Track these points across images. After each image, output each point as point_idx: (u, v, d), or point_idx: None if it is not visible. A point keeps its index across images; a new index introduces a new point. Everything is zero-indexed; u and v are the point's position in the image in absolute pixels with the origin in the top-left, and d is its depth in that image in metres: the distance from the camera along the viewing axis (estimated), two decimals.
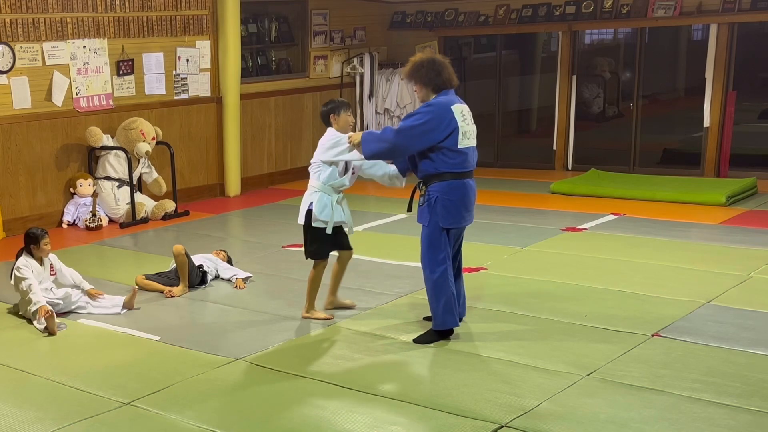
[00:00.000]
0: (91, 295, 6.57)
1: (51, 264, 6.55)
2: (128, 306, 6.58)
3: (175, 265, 7.04)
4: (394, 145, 5.49)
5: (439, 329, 5.67)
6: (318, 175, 6.02)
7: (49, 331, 6.09)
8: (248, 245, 8.60)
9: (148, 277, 7.07)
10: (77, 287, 6.59)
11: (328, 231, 5.97)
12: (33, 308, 6.19)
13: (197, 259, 7.21)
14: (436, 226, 5.55)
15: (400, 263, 7.46)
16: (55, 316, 6.15)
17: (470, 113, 5.63)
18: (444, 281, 5.59)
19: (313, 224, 6.00)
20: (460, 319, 5.91)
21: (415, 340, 5.69)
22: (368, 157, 5.65)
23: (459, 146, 5.45)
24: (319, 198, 5.97)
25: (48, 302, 6.26)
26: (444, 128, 5.40)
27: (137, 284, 6.97)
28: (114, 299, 6.64)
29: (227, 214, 10.17)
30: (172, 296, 6.83)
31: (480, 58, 13.35)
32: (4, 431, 4.62)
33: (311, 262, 5.91)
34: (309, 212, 5.99)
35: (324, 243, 6.08)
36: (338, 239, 6.11)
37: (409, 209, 5.88)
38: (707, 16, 10.85)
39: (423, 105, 5.55)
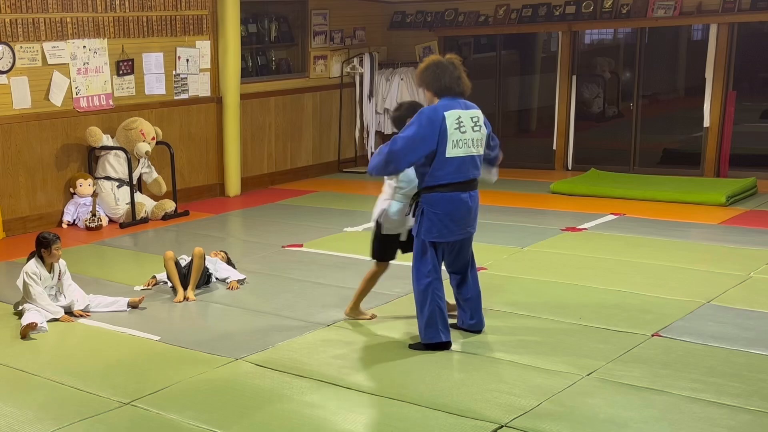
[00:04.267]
0: (75, 315, 6.54)
1: (60, 271, 6.55)
2: (133, 305, 6.62)
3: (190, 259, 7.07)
4: (389, 157, 5.34)
5: (425, 343, 5.55)
6: (389, 183, 5.88)
7: (21, 335, 6.10)
8: (248, 245, 8.60)
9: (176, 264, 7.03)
10: (70, 307, 6.54)
11: (403, 238, 5.91)
12: (24, 321, 6.19)
13: None
14: (421, 238, 5.48)
15: (399, 263, 7.42)
16: (36, 327, 6.15)
17: (475, 120, 5.40)
18: (428, 294, 5.47)
19: (383, 232, 5.93)
20: (479, 332, 5.79)
21: (411, 347, 5.63)
22: (371, 173, 5.54)
23: (447, 155, 5.29)
24: (390, 205, 5.86)
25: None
26: (435, 135, 5.26)
27: (165, 260, 6.96)
28: (116, 298, 6.67)
29: (227, 214, 10.17)
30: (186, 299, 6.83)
31: (480, 58, 13.35)
32: (4, 431, 4.62)
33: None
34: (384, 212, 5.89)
35: (389, 246, 6.01)
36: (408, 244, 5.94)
37: (407, 214, 5.69)
38: (707, 16, 10.85)
39: (416, 114, 5.43)
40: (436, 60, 5.52)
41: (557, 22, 11.81)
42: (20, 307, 6.46)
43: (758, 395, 4.76)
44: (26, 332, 6.07)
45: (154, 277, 7.22)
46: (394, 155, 5.33)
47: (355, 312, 6.18)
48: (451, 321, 5.77)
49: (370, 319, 6.14)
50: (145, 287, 7.14)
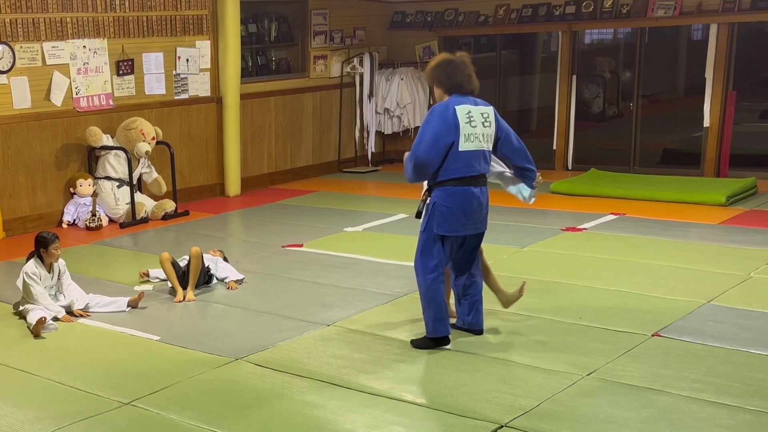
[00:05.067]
0: (74, 315, 6.50)
1: (59, 271, 6.55)
2: (133, 305, 6.60)
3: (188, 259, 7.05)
4: (416, 162, 5.39)
5: (431, 337, 5.58)
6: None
7: (34, 333, 6.11)
8: (248, 245, 8.60)
9: (173, 264, 7.01)
10: (70, 306, 6.52)
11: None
12: (32, 319, 6.20)
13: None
14: (431, 232, 5.47)
15: (400, 263, 7.45)
16: (46, 321, 6.16)
17: (485, 116, 5.45)
18: (435, 289, 5.49)
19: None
20: (480, 332, 5.77)
21: (412, 342, 5.64)
22: (411, 182, 5.58)
23: (460, 149, 5.35)
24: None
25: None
26: (450, 127, 5.33)
27: (161, 261, 6.97)
28: (115, 298, 6.65)
29: (227, 214, 10.17)
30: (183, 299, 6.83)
31: (480, 58, 13.33)
32: (4, 431, 4.62)
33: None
34: None
35: None
36: None
37: (418, 215, 5.65)
38: (707, 16, 10.85)
39: (427, 114, 5.49)
40: (447, 58, 5.54)
41: (557, 22, 11.81)
42: (21, 308, 6.45)
43: (758, 395, 4.76)
44: (38, 329, 6.08)
45: (147, 272, 7.28)
46: (421, 159, 5.37)
47: (506, 297, 6.02)
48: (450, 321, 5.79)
49: (521, 291, 5.97)
50: (141, 281, 7.21)
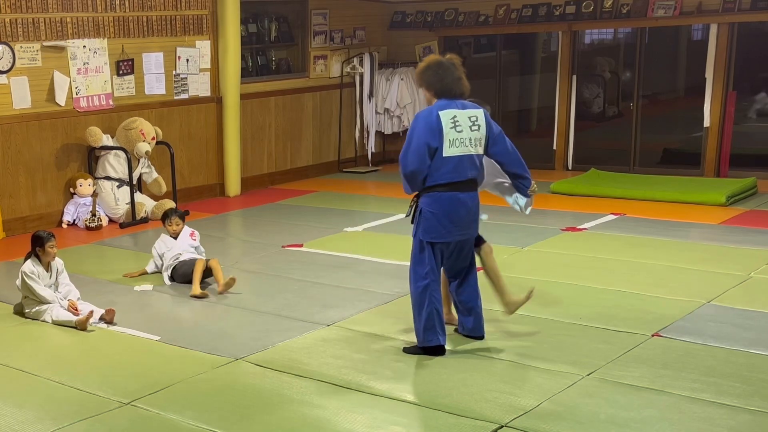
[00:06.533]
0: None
1: (57, 270, 6.54)
2: (80, 326, 6.18)
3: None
4: (405, 173, 5.33)
5: (422, 346, 5.49)
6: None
7: (80, 327, 6.16)
8: (248, 245, 8.61)
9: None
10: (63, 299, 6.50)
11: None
12: (59, 316, 6.28)
13: (173, 249, 7.27)
14: (419, 239, 5.43)
15: (400, 263, 7.44)
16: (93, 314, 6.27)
17: (474, 119, 5.32)
18: (425, 297, 5.39)
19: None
20: (480, 338, 5.70)
21: (405, 350, 5.57)
22: (408, 192, 5.50)
23: (444, 154, 5.24)
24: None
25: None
26: (435, 133, 5.22)
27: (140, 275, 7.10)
28: (82, 309, 6.37)
29: (227, 214, 10.18)
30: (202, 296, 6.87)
31: (480, 58, 13.35)
32: (4, 431, 4.63)
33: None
34: None
35: None
36: None
37: (409, 217, 5.59)
38: (707, 16, 10.85)
39: (413, 121, 5.40)
40: (437, 60, 5.44)
41: (557, 22, 11.81)
42: (31, 310, 6.41)
43: (758, 395, 4.77)
44: (85, 324, 6.13)
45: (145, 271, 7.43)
46: (409, 169, 5.29)
47: (513, 304, 5.81)
48: (452, 327, 5.78)
49: (529, 296, 5.79)
50: (134, 275, 7.41)
